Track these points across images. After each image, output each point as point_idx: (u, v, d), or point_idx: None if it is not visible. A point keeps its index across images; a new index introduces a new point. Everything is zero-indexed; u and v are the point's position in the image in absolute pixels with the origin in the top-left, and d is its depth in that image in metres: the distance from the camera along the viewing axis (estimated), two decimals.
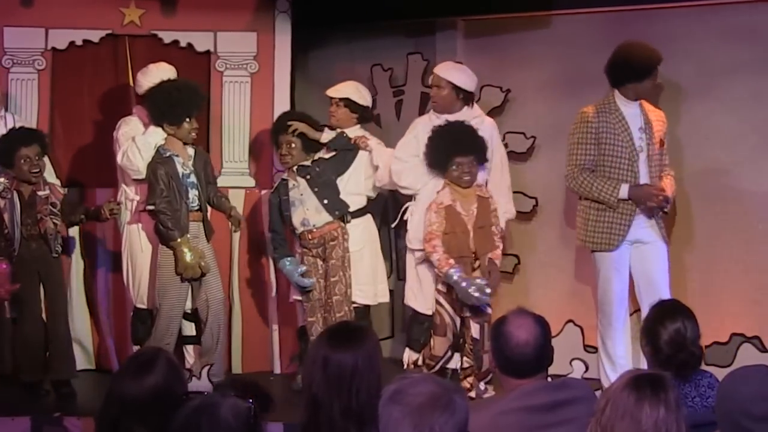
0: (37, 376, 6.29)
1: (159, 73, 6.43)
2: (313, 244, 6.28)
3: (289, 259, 6.32)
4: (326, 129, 6.34)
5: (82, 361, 6.77)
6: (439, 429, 2.63)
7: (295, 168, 6.32)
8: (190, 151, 6.29)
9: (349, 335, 3.33)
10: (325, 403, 3.20)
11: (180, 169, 6.18)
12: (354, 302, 6.36)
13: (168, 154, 6.18)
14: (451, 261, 5.94)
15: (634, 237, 6.08)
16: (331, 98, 6.59)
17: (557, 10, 6.90)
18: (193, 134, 6.26)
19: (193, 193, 6.22)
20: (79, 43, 6.96)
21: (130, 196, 6.43)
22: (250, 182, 7.02)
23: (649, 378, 2.92)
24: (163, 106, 6.15)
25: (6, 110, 6.62)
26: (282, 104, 6.96)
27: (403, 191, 6.44)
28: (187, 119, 6.18)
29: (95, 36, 6.96)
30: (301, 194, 6.27)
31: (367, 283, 6.48)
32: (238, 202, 6.87)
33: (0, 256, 6.06)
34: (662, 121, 6.16)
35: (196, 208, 6.25)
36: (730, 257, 6.40)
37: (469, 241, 6.05)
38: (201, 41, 7.02)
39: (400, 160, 6.35)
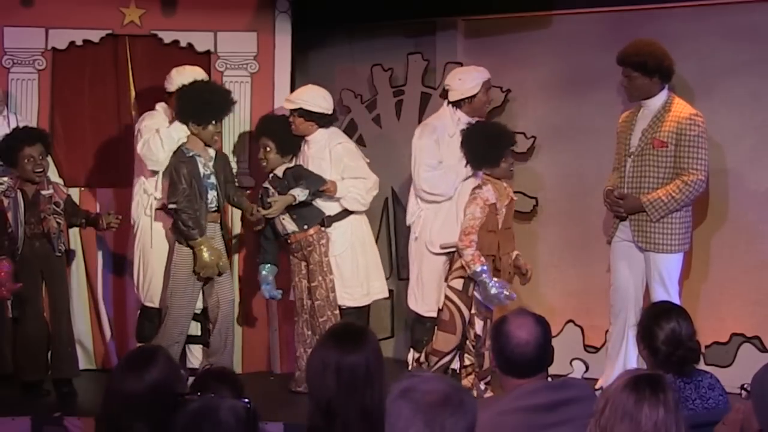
0: (39, 375, 6.29)
1: (194, 74, 6.40)
2: (293, 248, 6.38)
3: (268, 266, 6.44)
4: (298, 188, 6.23)
5: (83, 360, 6.76)
6: (450, 428, 2.63)
7: (270, 176, 6.38)
8: (211, 152, 6.33)
9: (353, 336, 3.31)
10: (340, 408, 3.18)
11: (201, 170, 6.23)
12: (342, 306, 6.37)
13: (191, 153, 6.21)
14: (483, 258, 5.96)
15: (627, 236, 6.08)
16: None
17: (557, 10, 6.90)
18: (216, 137, 6.35)
19: (212, 194, 6.27)
20: (79, 43, 6.95)
21: (149, 190, 6.40)
22: (250, 182, 7.02)
23: (649, 378, 2.92)
24: (193, 106, 6.17)
25: (8, 110, 6.61)
26: (282, 104, 6.96)
27: (434, 198, 6.33)
28: (213, 122, 6.22)
29: (95, 36, 6.96)
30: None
31: (354, 285, 6.45)
32: None
33: (2, 255, 6.08)
34: (675, 121, 5.95)
35: (214, 209, 6.29)
36: (730, 257, 6.40)
37: (497, 241, 6.08)
38: (201, 41, 7.02)
39: (430, 167, 6.30)
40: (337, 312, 6.33)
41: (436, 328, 6.17)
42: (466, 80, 6.36)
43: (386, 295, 6.73)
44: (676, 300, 5.81)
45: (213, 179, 6.28)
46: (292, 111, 6.40)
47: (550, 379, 3.68)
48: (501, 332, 3.55)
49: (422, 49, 7.34)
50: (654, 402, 2.85)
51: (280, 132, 6.39)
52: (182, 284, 6.21)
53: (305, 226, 6.32)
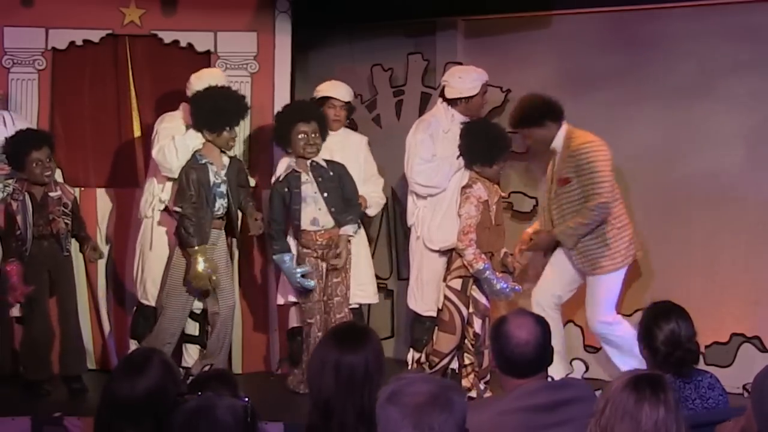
0: (42, 375, 6.29)
1: (210, 78, 6.41)
2: (318, 245, 6.21)
3: (289, 255, 6.20)
4: (349, 226, 6.26)
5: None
6: (439, 427, 2.63)
7: (309, 162, 6.24)
8: (225, 160, 6.30)
9: (355, 336, 3.32)
10: (338, 407, 3.18)
11: (212, 178, 6.20)
12: (351, 304, 6.37)
13: (204, 161, 6.19)
14: (483, 256, 5.98)
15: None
16: (335, 102, 6.57)
17: (557, 10, 6.90)
18: (232, 143, 6.29)
19: (220, 202, 6.24)
20: (79, 43, 6.95)
21: (155, 192, 6.40)
22: (251, 182, 7.01)
23: (649, 378, 2.93)
24: (207, 113, 6.15)
25: (5, 109, 6.60)
26: (282, 104, 6.96)
27: (429, 191, 6.35)
28: (228, 128, 6.20)
29: (95, 36, 6.95)
30: (315, 192, 6.20)
31: (366, 282, 6.54)
32: None
33: (12, 258, 6.09)
34: (570, 155, 6.13)
35: (220, 216, 6.26)
36: (730, 258, 6.40)
37: (492, 237, 6.10)
38: (201, 41, 7.01)
39: (424, 160, 6.32)
40: (349, 310, 6.34)
41: (436, 328, 6.18)
42: (466, 80, 6.37)
43: (376, 300, 6.77)
44: (611, 312, 6.05)
45: (223, 187, 6.24)
46: (342, 104, 6.58)
47: (550, 379, 3.69)
48: (501, 332, 3.56)
49: (422, 49, 7.34)
50: (654, 401, 2.85)
51: (323, 118, 6.41)
52: (179, 286, 6.21)
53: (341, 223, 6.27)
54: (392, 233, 7.41)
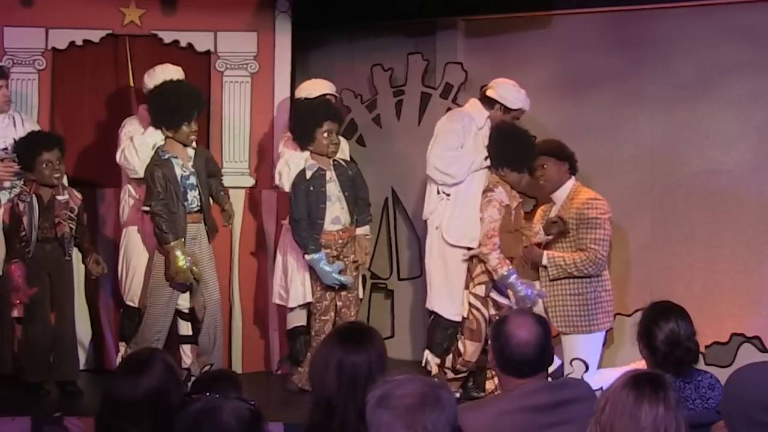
0: (41, 376, 6.28)
1: (164, 74, 6.40)
2: (338, 244, 6.21)
3: (322, 254, 6.12)
4: (367, 226, 6.39)
5: (82, 360, 6.76)
6: (432, 426, 2.63)
7: (332, 161, 6.26)
8: (190, 152, 6.24)
9: (359, 336, 3.32)
10: (340, 406, 3.18)
11: (179, 171, 6.14)
12: None
13: (167, 156, 6.14)
14: (508, 261, 5.94)
15: None
16: (329, 98, 6.58)
17: (557, 10, 6.90)
18: (192, 137, 6.21)
19: (192, 195, 6.18)
20: (79, 43, 6.96)
21: (132, 194, 6.43)
22: (250, 182, 7.02)
23: (649, 377, 2.93)
24: (161, 110, 6.12)
25: (13, 110, 6.60)
26: (282, 104, 6.97)
27: (445, 178, 6.23)
28: (186, 123, 6.15)
29: (95, 36, 6.96)
30: (339, 191, 6.21)
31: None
32: (238, 201, 6.87)
33: (15, 259, 6.09)
34: (575, 208, 6.22)
35: (196, 209, 6.21)
36: (730, 257, 6.40)
37: (513, 241, 6.08)
38: (201, 41, 7.02)
39: (449, 148, 6.25)
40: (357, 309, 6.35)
41: (462, 337, 6.10)
42: (514, 93, 6.29)
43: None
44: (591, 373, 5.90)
45: (193, 179, 6.18)
46: (334, 98, 6.59)
47: (550, 379, 3.69)
48: (501, 332, 3.55)
49: (422, 49, 7.34)
50: (654, 400, 2.85)
51: (343, 118, 6.43)
52: (161, 285, 6.16)
53: (357, 221, 6.29)
54: (392, 233, 7.40)
